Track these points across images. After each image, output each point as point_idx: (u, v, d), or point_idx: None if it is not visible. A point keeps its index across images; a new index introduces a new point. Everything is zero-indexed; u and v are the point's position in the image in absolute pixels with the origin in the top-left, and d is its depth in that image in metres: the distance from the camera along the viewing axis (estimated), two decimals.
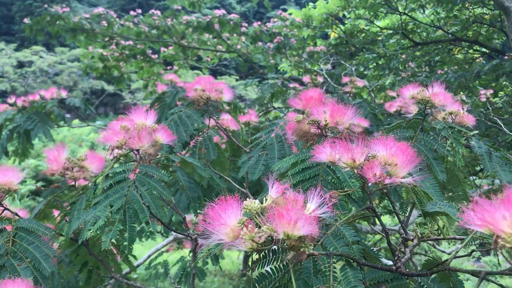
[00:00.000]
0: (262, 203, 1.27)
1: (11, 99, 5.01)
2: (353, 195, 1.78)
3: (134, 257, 2.60)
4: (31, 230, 1.99)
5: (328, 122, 1.95)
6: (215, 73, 21.76)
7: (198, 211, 3.23)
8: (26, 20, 11.76)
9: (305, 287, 1.32)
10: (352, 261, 1.46)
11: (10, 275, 1.83)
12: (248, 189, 2.96)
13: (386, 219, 10.59)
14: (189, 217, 5.52)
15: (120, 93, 31.42)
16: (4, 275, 1.85)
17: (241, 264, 11.72)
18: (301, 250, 1.20)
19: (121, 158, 2.13)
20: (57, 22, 11.41)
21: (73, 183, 2.32)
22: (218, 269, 11.68)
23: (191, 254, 5.25)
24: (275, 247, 1.29)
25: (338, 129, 2.05)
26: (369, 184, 1.48)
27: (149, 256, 3.86)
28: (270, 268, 1.47)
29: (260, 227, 1.20)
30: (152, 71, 13.42)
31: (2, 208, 2.09)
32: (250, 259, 1.33)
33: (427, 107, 2.42)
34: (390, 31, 11.08)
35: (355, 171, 1.49)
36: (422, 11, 10.25)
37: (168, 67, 14.15)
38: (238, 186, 2.78)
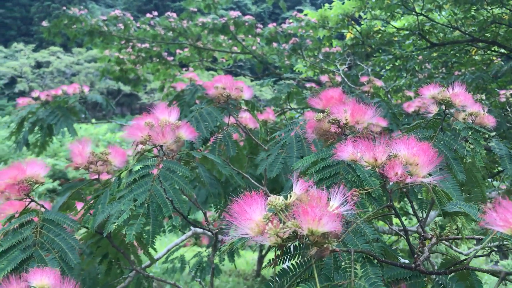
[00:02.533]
0: (286, 199, 1.30)
1: (35, 93, 5.11)
2: (373, 193, 1.80)
3: (155, 250, 2.65)
4: (58, 222, 2.05)
5: (348, 121, 1.97)
6: (230, 74, 21.84)
7: (219, 206, 3.27)
8: (44, 23, 11.97)
9: (327, 282, 1.34)
10: (372, 258, 1.48)
11: (38, 265, 1.89)
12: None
13: (403, 219, 10.53)
14: (208, 213, 5.57)
15: (136, 93, 31.72)
16: (32, 265, 1.91)
17: (256, 265, 11.75)
18: (324, 246, 1.22)
19: (144, 153, 2.18)
20: (74, 25, 11.59)
21: (96, 176, 2.38)
22: (232, 269, 11.74)
23: (207, 250, 5.32)
24: (297, 242, 1.33)
25: (357, 128, 2.08)
26: (390, 183, 1.50)
27: (168, 250, 3.93)
28: (292, 263, 1.49)
29: (284, 222, 1.24)
30: (168, 73, 13.55)
31: (29, 200, 2.15)
32: (273, 255, 1.36)
33: (447, 108, 2.42)
34: (407, 32, 11.00)
35: (377, 170, 1.51)
36: (439, 11, 10.17)
37: (184, 69, 14.26)
38: (256, 183, 2.82)
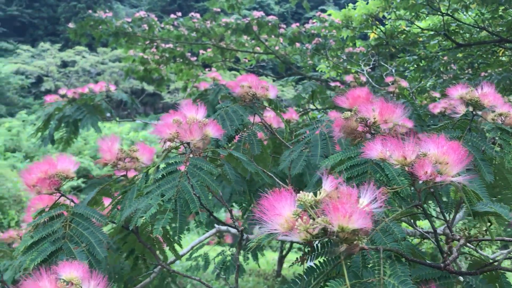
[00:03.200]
0: (316, 196, 1.30)
1: (62, 91, 5.22)
2: (401, 192, 1.78)
3: (181, 246, 2.69)
4: (86, 216, 2.09)
5: (376, 120, 1.96)
6: (252, 74, 21.86)
7: (244, 204, 3.29)
8: (71, 25, 12.23)
9: (355, 279, 1.33)
10: (401, 257, 1.47)
11: (67, 258, 1.94)
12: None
13: (426, 223, 10.37)
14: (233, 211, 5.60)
15: (160, 93, 32.09)
16: (61, 257, 1.95)
17: (276, 265, 11.74)
18: (354, 243, 1.22)
19: (172, 150, 2.21)
20: (100, 27, 11.81)
21: (124, 173, 2.42)
22: (253, 269, 11.76)
23: (231, 249, 5.34)
24: (324, 240, 1.32)
25: (383, 128, 2.06)
26: (420, 182, 1.49)
27: (192, 247, 3.97)
28: (319, 261, 1.49)
29: (314, 219, 1.24)
30: (191, 74, 13.67)
31: (59, 194, 2.20)
32: (294, 255, 1.36)
33: (475, 108, 2.39)
34: (432, 32, 10.84)
35: (406, 169, 1.50)
36: (465, 11, 9.99)
37: (206, 69, 14.36)
38: (280, 182, 2.82)
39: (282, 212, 1.24)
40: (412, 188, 1.72)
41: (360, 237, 1.22)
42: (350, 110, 2.07)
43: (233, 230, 3.45)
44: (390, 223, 1.59)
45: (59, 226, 2.05)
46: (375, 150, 1.57)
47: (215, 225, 4.10)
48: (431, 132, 2.67)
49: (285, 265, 12.67)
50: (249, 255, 5.10)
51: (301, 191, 1.28)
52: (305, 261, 1.41)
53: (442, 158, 1.46)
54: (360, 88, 2.29)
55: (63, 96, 5.23)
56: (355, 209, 1.19)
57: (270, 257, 12.67)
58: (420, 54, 10.64)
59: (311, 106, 9.63)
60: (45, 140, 5.14)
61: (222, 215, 11.05)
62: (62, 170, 2.14)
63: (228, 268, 5.09)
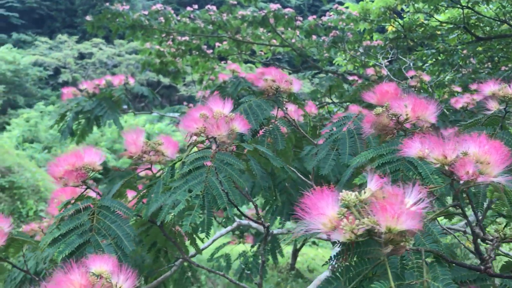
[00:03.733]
0: (360, 195, 1.27)
1: (82, 85, 5.22)
2: (435, 192, 1.74)
3: (202, 240, 2.68)
4: (113, 209, 2.09)
5: (409, 116, 1.91)
6: (267, 66, 21.80)
7: (270, 201, 3.27)
8: (88, 18, 12.28)
9: (398, 280, 1.30)
10: (440, 258, 1.44)
11: (95, 250, 1.94)
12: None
13: (442, 220, 10.27)
14: (252, 211, 5.59)
15: (175, 85, 32.17)
16: (89, 250, 1.95)
17: (290, 258, 11.74)
18: (401, 244, 1.19)
19: (197, 144, 2.19)
20: (117, 20, 11.85)
21: (148, 166, 2.41)
22: (267, 262, 11.78)
23: (252, 250, 5.32)
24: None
25: (411, 123, 2.01)
26: (460, 182, 1.44)
27: (213, 241, 3.97)
28: (358, 260, 1.46)
29: (358, 219, 1.21)
30: (207, 66, 13.66)
31: (85, 187, 2.20)
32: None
33: (508, 105, 2.33)
34: (451, 26, 10.65)
35: (446, 168, 1.46)
36: (486, 4, 9.79)
37: (222, 62, 14.34)
38: (303, 178, 2.80)
39: (325, 211, 1.21)
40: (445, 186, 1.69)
41: (408, 238, 1.19)
42: (379, 106, 2.03)
43: (255, 225, 3.44)
44: (428, 223, 1.55)
45: (86, 219, 2.05)
46: (413, 148, 1.53)
47: (236, 219, 4.09)
48: (459, 129, 2.61)
49: (299, 259, 12.68)
50: (269, 256, 5.08)
51: (343, 191, 1.25)
52: (348, 259, 1.38)
53: (484, 158, 1.42)
54: (388, 84, 2.24)
55: (82, 90, 5.21)
56: (403, 210, 1.15)
57: (284, 251, 12.67)
58: (439, 47, 10.46)
59: (327, 100, 9.55)
60: (64, 133, 5.14)
61: (242, 209, 11.06)
62: (89, 162, 2.15)
63: (251, 269, 5.07)
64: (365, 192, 1.27)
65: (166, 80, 33.10)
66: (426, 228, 1.55)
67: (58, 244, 1.99)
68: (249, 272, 5.01)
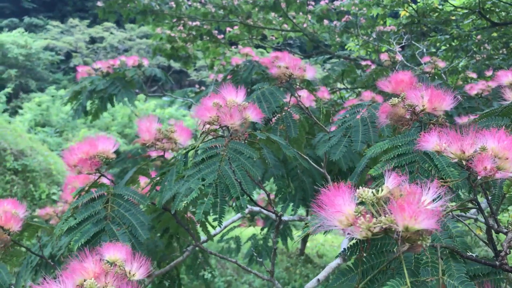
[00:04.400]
0: (377, 192, 1.26)
1: (97, 65, 5.21)
2: (451, 185, 1.72)
3: (213, 227, 2.70)
4: (127, 197, 2.11)
5: (425, 107, 1.89)
6: (279, 52, 21.67)
7: (283, 190, 3.28)
8: (99, 3, 12.24)
9: (413, 277, 1.30)
10: (456, 254, 1.43)
11: (110, 239, 1.96)
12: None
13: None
14: (262, 195, 5.63)
15: (186, 70, 32.14)
16: (104, 239, 1.97)
17: (300, 243, 11.80)
18: (418, 243, 1.18)
19: (210, 133, 2.19)
20: (128, 5, 11.79)
21: (161, 153, 2.42)
22: (277, 247, 11.88)
23: (262, 232, 5.36)
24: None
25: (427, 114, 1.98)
26: (478, 177, 1.42)
27: (225, 227, 3.99)
28: (373, 253, 1.45)
29: (375, 217, 1.20)
30: (217, 51, 13.60)
31: (99, 175, 2.22)
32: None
33: None
34: (466, 11, 10.44)
35: (464, 163, 1.43)
36: None
37: (233, 47, 14.26)
38: (315, 166, 2.78)
39: (342, 208, 1.21)
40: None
41: (425, 237, 1.18)
42: (395, 95, 2.00)
43: (265, 212, 3.45)
44: (444, 218, 1.54)
45: (101, 207, 2.07)
46: (431, 142, 1.51)
47: (248, 206, 4.09)
48: (475, 119, 2.57)
49: (308, 244, 12.73)
50: (279, 239, 5.11)
51: (360, 188, 1.24)
52: (364, 253, 1.38)
53: (502, 153, 1.40)
54: (403, 72, 2.21)
55: (97, 69, 5.20)
56: (421, 209, 1.14)
57: (293, 235, 12.74)
58: (453, 33, 10.28)
59: (339, 85, 9.48)
60: (78, 112, 5.13)
61: (253, 196, 11.12)
62: (103, 151, 2.16)
63: (260, 252, 5.12)
64: (382, 190, 1.26)
65: (176, 65, 33.08)
66: (441, 223, 1.54)
67: (74, 232, 2.01)
68: (260, 259, 5.06)
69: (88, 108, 5.35)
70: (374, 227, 1.17)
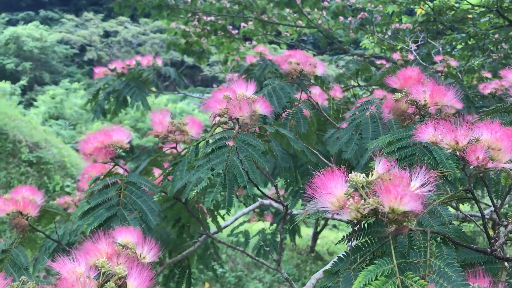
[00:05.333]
0: (368, 177, 1.33)
1: (112, 65, 5.35)
2: (449, 176, 1.78)
3: (223, 218, 2.78)
4: (139, 185, 2.20)
5: (427, 102, 1.94)
6: (292, 48, 21.66)
7: (289, 180, 3.33)
8: None
9: (402, 259, 1.36)
10: (447, 240, 1.49)
11: (122, 223, 2.05)
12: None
13: (465, 207, 10.18)
14: (272, 190, 5.71)
15: (199, 65, 32.30)
16: (116, 223, 2.07)
17: (310, 240, 11.86)
18: (404, 224, 1.25)
19: (221, 125, 2.26)
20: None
21: (173, 145, 2.50)
22: (287, 243, 11.94)
23: (271, 227, 5.44)
24: (371, 220, 1.36)
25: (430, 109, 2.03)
26: (470, 167, 1.48)
27: (235, 219, 4.09)
28: (365, 240, 1.52)
29: (365, 199, 1.27)
30: (231, 47, 13.66)
31: (113, 164, 2.31)
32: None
33: None
34: (483, 9, 10.35)
35: (457, 153, 1.49)
36: None
37: (247, 42, 14.31)
38: (325, 160, 2.85)
39: (333, 191, 1.28)
40: (460, 172, 1.72)
41: (410, 219, 1.25)
42: (401, 91, 2.05)
43: (276, 205, 3.52)
44: (438, 206, 1.60)
45: (114, 194, 2.16)
46: (426, 133, 1.58)
47: (258, 199, 4.18)
48: (482, 115, 2.60)
49: (319, 241, 12.78)
50: (287, 235, 5.19)
51: (352, 172, 1.32)
52: (352, 239, 1.45)
53: (495, 144, 1.45)
54: (411, 68, 2.26)
55: (112, 70, 5.34)
56: (406, 191, 1.21)
57: (304, 233, 12.80)
58: (470, 31, 10.20)
59: (353, 82, 9.47)
60: (97, 113, 5.31)
61: (265, 190, 11.20)
62: (117, 141, 2.25)
63: (268, 246, 5.20)
64: (372, 174, 1.33)
65: (189, 60, 33.23)
66: (435, 210, 1.60)
67: (87, 217, 2.11)
68: (267, 249, 5.15)
69: (106, 107, 5.51)
70: (363, 209, 1.24)
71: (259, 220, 6.09)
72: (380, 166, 1.36)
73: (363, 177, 1.31)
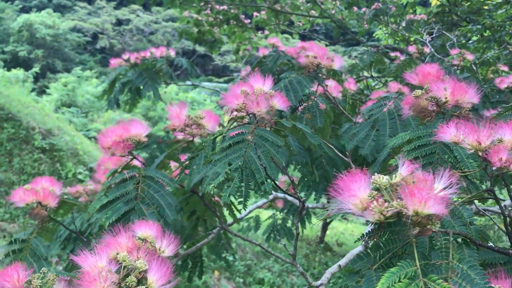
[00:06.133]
0: (391, 179, 1.33)
1: (126, 56, 5.39)
2: (470, 176, 1.77)
3: (239, 211, 2.79)
4: (157, 179, 2.21)
5: (448, 99, 1.92)
6: (305, 38, 21.53)
7: (307, 177, 3.34)
8: None
9: (424, 260, 1.36)
10: (468, 240, 1.48)
11: (140, 217, 2.07)
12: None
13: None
14: (282, 178, 5.75)
15: (210, 54, 32.26)
16: (134, 217, 2.09)
17: (320, 231, 11.89)
18: (427, 227, 1.25)
19: (237, 120, 2.26)
20: None
21: (190, 138, 2.51)
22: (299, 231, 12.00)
23: (281, 213, 5.49)
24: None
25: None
26: (493, 168, 1.47)
27: (250, 211, 4.12)
28: (386, 239, 1.52)
29: (388, 201, 1.27)
30: (244, 36, 13.61)
31: (132, 157, 2.33)
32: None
33: None
34: (499, 0, 10.18)
35: (480, 154, 1.48)
36: None
37: (259, 32, 14.24)
38: (340, 155, 2.84)
39: (357, 193, 1.28)
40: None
41: (434, 222, 1.25)
42: (420, 88, 2.03)
43: (290, 198, 3.53)
44: (459, 206, 1.59)
45: (132, 188, 2.18)
46: (448, 133, 1.57)
47: (272, 192, 4.20)
48: (500, 112, 2.58)
49: (328, 232, 12.80)
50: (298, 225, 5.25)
51: (375, 174, 1.32)
52: (378, 238, 1.45)
53: None
54: (430, 65, 2.23)
55: (126, 60, 5.38)
56: (431, 195, 1.21)
57: (312, 222, 12.83)
58: (485, 23, 10.04)
59: (365, 74, 9.40)
60: (111, 103, 5.36)
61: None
62: (135, 134, 2.26)
63: (279, 231, 5.26)
64: (396, 177, 1.33)
65: (201, 49, 33.21)
66: (456, 211, 1.59)
67: (105, 210, 2.13)
68: (278, 237, 5.21)
69: (122, 99, 5.58)
70: (386, 211, 1.24)
71: (270, 206, 6.14)
72: (403, 168, 1.36)
73: (387, 179, 1.31)
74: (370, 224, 1.47)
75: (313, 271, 10.87)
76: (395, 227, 1.49)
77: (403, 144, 1.96)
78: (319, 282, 2.18)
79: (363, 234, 1.52)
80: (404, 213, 1.23)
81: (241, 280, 9.81)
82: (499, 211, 3.69)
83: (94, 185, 3.85)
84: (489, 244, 1.98)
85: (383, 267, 1.40)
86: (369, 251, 1.52)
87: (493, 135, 1.51)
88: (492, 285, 1.23)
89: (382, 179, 1.30)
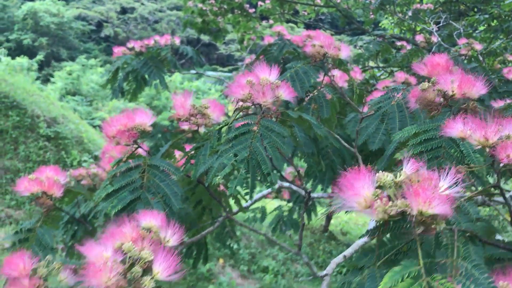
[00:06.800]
0: (396, 177, 1.32)
1: (130, 44, 5.36)
2: (476, 171, 1.75)
3: (246, 200, 2.80)
4: (162, 168, 2.21)
5: (455, 93, 1.90)
6: (310, 27, 21.38)
7: (313, 168, 3.33)
8: None
9: (428, 258, 1.35)
10: (475, 237, 1.47)
11: (145, 207, 2.07)
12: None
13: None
14: (289, 169, 5.75)
15: (214, 43, 32.12)
16: (139, 206, 2.09)
17: (324, 220, 11.91)
18: (432, 226, 1.24)
19: (243, 110, 2.25)
20: None
21: (195, 128, 2.49)
22: (300, 222, 12.03)
23: (288, 204, 5.50)
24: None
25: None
26: (500, 164, 1.45)
27: (255, 201, 4.12)
28: (391, 235, 1.51)
29: (392, 200, 1.27)
30: (248, 26, 13.52)
31: (136, 146, 2.33)
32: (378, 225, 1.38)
33: None
34: None
35: (487, 150, 1.47)
36: None
37: (264, 21, 14.14)
38: (347, 146, 2.83)
39: (360, 191, 1.27)
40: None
41: (439, 221, 1.24)
42: (428, 79, 2.01)
43: (295, 188, 3.53)
44: (465, 202, 1.58)
45: (137, 177, 2.17)
46: (455, 129, 1.55)
47: (278, 181, 4.20)
48: (509, 104, 2.55)
49: (332, 221, 12.82)
50: (304, 215, 5.27)
51: (380, 172, 1.31)
52: (381, 236, 1.45)
53: None
54: (439, 55, 2.20)
55: (131, 49, 5.36)
56: (435, 195, 1.20)
57: (318, 212, 12.86)
58: (493, 13, 9.92)
59: (371, 63, 9.33)
60: (116, 92, 5.34)
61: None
62: (140, 123, 2.25)
63: (285, 223, 5.27)
64: (400, 175, 1.32)
65: (206, 38, 33.01)
66: (463, 207, 1.58)
67: (111, 199, 2.13)
68: (284, 228, 5.23)
69: (125, 87, 5.55)
70: (390, 210, 1.23)
71: (276, 197, 6.15)
72: (408, 167, 1.34)
73: (391, 178, 1.30)
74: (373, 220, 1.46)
75: (317, 259, 10.93)
76: (399, 224, 1.48)
77: (409, 138, 1.95)
78: (324, 272, 2.19)
79: (367, 231, 1.51)
80: (408, 213, 1.22)
81: (246, 268, 9.87)
82: (502, 201, 3.68)
83: (96, 168, 3.85)
84: (496, 237, 1.97)
85: (388, 264, 1.39)
86: (373, 247, 1.52)
87: (501, 131, 1.49)
88: (498, 283, 1.22)
89: (386, 177, 1.29)
